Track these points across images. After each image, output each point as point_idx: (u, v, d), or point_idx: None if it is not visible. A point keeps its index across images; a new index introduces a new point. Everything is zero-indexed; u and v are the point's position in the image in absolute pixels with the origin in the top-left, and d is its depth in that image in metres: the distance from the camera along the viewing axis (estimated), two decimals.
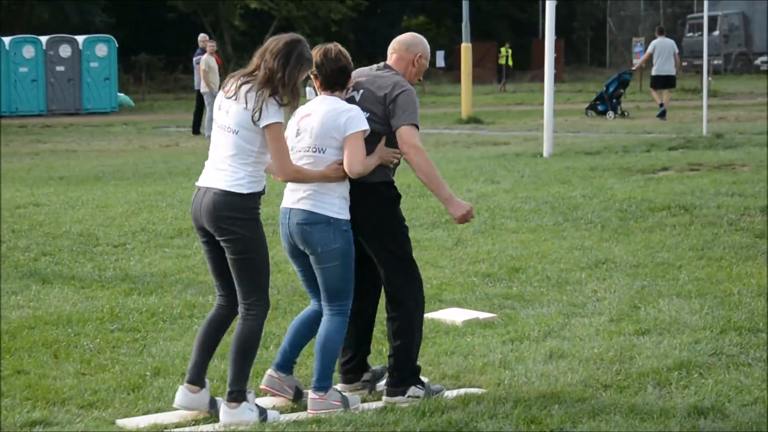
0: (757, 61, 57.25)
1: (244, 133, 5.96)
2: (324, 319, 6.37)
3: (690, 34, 58.03)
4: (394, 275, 6.39)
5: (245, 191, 5.95)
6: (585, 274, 9.53)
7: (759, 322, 7.69)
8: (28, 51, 37.58)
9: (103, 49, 38.96)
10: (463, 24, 31.41)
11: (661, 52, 29.60)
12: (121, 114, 38.17)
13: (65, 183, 16.76)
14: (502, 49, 54.32)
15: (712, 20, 57.51)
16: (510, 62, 54.67)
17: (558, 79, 53.28)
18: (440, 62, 56.72)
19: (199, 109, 28.05)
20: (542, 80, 19.25)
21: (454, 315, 8.23)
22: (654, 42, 30.04)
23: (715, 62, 55.67)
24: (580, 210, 12.54)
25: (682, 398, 6.20)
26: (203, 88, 27.02)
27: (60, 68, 38.07)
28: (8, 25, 50.92)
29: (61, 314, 8.36)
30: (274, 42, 6.04)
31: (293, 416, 6.19)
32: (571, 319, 8.02)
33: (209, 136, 23.64)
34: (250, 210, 5.99)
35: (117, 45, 39.64)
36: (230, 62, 55.24)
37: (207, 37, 28.52)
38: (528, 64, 60.40)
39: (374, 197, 6.32)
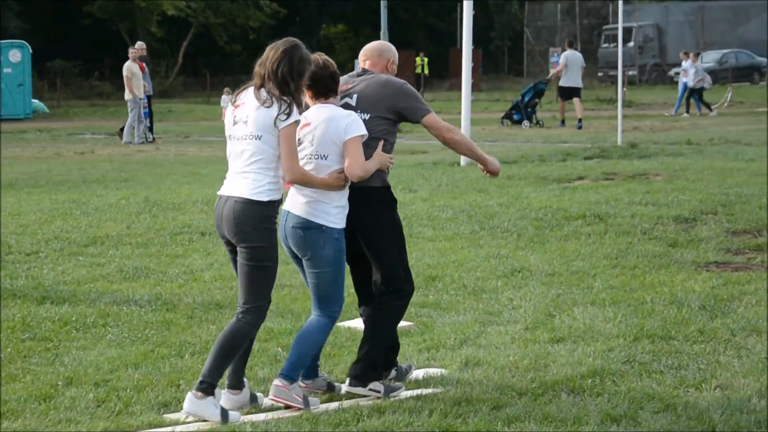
0: (671, 72, 58.05)
1: (267, 137, 6.14)
2: (312, 317, 6.57)
3: (605, 45, 58.73)
4: (392, 270, 6.60)
5: (265, 199, 6.13)
6: (501, 282, 9.59)
7: (671, 330, 7.79)
8: None
9: (16, 54, 38.44)
10: (381, 33, 31.56)
11: (571, 64, 30.16)
12: (35, 121, 37.66)
13: None
14: (417, 59, 54.54)
15: (627, 31, 58.31)
16: (426, 71, 54.90)
17: (476, 88, 53.59)
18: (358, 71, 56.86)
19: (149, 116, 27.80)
20: (460, 89, 19.36)
21: None
22: (565, 54, 30.54)
23: (630, 73, 56.37)
24: (497, 219, 12.62)
25: (596, 405, 6.25)
26: (127, 95, 26.87)
27: None
28: None
29: None
30: (272, 50, 6.24)
31: (253, 417, 6.19)
32: (487, 327, 8.05)
33: (128, 143, 23.21)
34: (268, 218, 6.16)
35: (31, 51, 39.12)
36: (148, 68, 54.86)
37: (144, 45, 28.33)
38: (446, 72, 60.74)
39: (374, 202, 6.54)
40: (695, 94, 35.54)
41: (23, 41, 40.02)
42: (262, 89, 6.16)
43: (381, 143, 6.52)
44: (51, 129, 33.08)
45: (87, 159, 22.79)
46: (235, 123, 6.24)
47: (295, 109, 6.14)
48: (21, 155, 23.90)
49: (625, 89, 44.95)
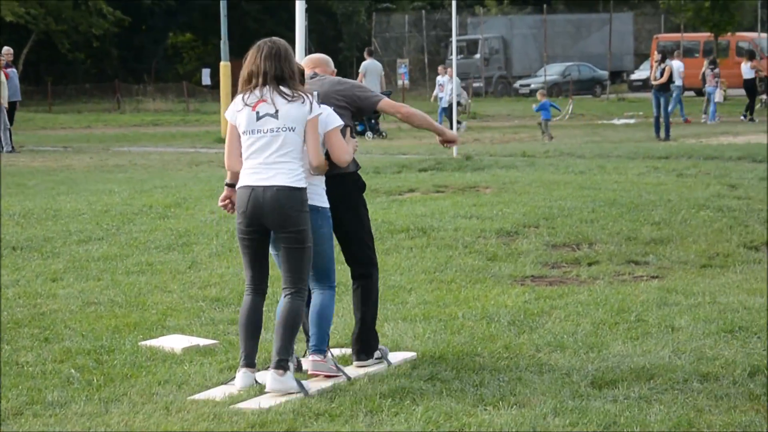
0: (516, 84, 58.88)
1: (299, 129, 6.86)
2: (315, 294, 7.20)
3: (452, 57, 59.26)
4: (364, 249, 7.49)
5: (303, 185, 6.86)
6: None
7: (477, 345, 7.73)
8: None
9: None
10: (222, 42, 31.20)
11: (371, 73, 30.55)
12: None
13: None
14: None
15: (474, 43, 59.02)
16: None
17: None
18: (206, 80, 56.32)
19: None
20: None
21: (174, 342, 7.98)
22: (364, 63, 30.89)
23: (476, 84, 56.97)
24: None
25: (392, 426, 6.13)
26: None
27: None
28: None
29: None
30: (275, 46, 6.95)
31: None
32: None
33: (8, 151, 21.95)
34: (305, 203, 6.87)
35: None
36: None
37: (11, 51, 27.72)
38: None
39: (351, 185, 7.37)
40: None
41: None
42: (283, 86, 6.82)
43: (348, 130, 7.29)
44: None
45: None
46: (259, 118, 6.82)
47: (316, 101, 6.96)
48: None
49: (470, 100, 45.37)
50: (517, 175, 17.53)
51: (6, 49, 27.96)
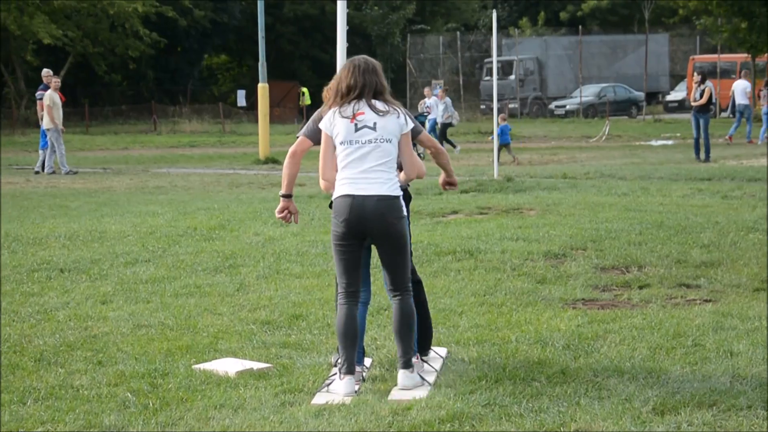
0: (552, 105, 58.76)
1: (395, 141, 7.27)
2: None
3: (487, 78, 59.20)
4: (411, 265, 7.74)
5: (400, 193, 7.28)
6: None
7: (534, 370, 7.65)
8: None
9: None
10: (260, 64, 31.29)
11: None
12: None
13: None
14: (303, 89, 54.65)
15: (509, 64, 58.97)
16: (308, 101, 54.87)
17: None
18: (241, 101, 56.49)
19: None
20: None
21: (228, 365, 7.94)
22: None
23: (511, 106, 56.90)
24: None
25: None
26: (47, 124, 26.81)
27: None
28: None
29: None
30: (370, 62, 7.35)
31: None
32: None
33: (68, 173, 23.01)
34: (403, 209, 7.30)
35: None
36: (23, 98, 53.79)
37: (51, 73, 28.11)
38: None
39: (407, 197, 7.71)
40: (443, 129, 33.72)
41: None
42: (377, 101, 7.25)
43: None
44: None
45: None
46: (357, 129, 7.18)
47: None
48: None
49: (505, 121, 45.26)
50: (560, 196, 17.46)
51: (46, 71, 28.29)
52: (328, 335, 8.90)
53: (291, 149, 7.52)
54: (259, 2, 32.04)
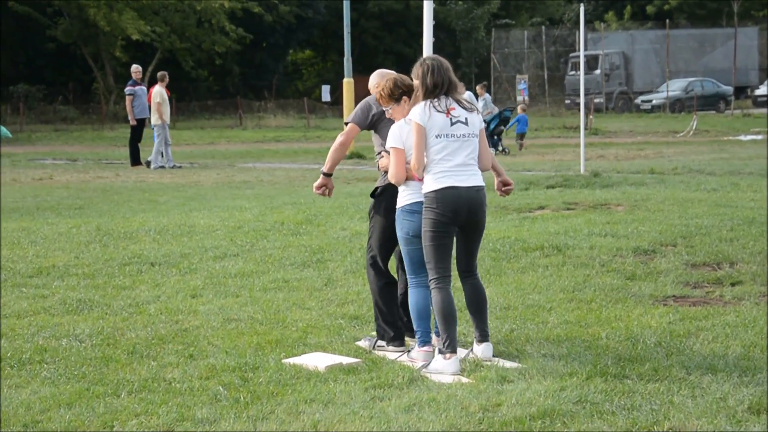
0: (638, 100, 58.18)
1: (479, 136, 7.70)
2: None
3: (572, 73, 58.79)
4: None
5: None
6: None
7: (625, 367, 7.56)
8: None
9: None
10: (345, 59, 31.36)
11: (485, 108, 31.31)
12: None
13: None
14: None
15: (594, 59, 58.44)
16: None
17: None
18: (326, 96, 56.70)
19: (134, 140, 27.82)
20: None
21: (317, 360, 7.97)
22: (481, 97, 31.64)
23: (597, 100, 56.44)
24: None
25: None
26: (156, 120, 27.17)
27: None
28: None
29: None
30: (445, 62, 7.73)
31: None
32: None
33: (157, 168, 23.49)
34: None
35: None
36: (111, 93, 54.50)
37: (140, 69, 28.46)
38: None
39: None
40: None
41: None
42: (460, 97, 7.65)
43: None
44: (11, 154, 32.71)
45: (44, 185, 22.46)
46: (452, 123, 7.56)
47: None
48: None
49: (591, 117, 44.96)
50: (648, 192, 17.27)
51: (135, 67, 28.59)
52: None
53: (343, 138, 8.26)
54: None
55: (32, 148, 36.29)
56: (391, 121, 8.10)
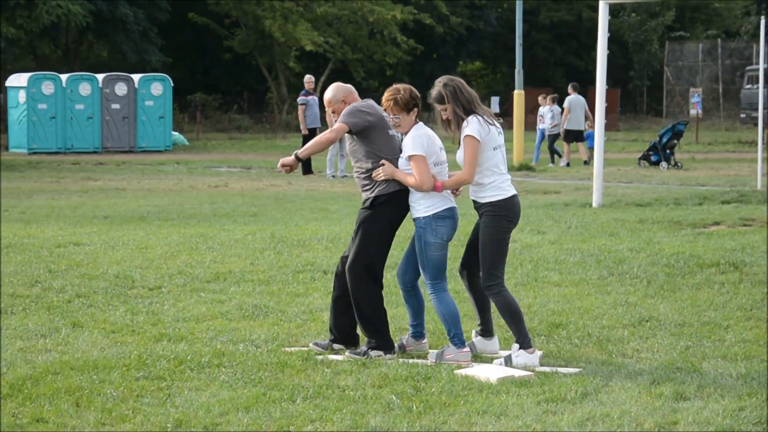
0: None
1: None
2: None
3: (749, 86, 57.39)
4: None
5: None
6: (628, 331, 9.24)
7: None
8: (85, 88, 37.81)
9: (158, 87, 39.17)
10: (516, 71, 31.30)
11: (574, 108, 30.72)
12: (174, 153, 38.29)
13: (108, 222, 16.70)
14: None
15: None
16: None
17: (613, 127, 52.81)
18: (495, 108, 56.58)
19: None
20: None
21: (489, 372, 7.97)
22: (569, 98, 31.06)
23: None
24: (626, 264, 12.25)
25: None
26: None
27: (115, 106, 38.30)
28: (66, 62, 51.44)
29: (88, 360, 8.19)
30: (456, 81, 8.32)
31: None
32: (611, 380, 7.72)
33: (332, 176, 23.88)
34: None
35: (172, 84, 39.84)
36: (284, 103, 55.45)
37: (313, 79, 28.85)
38: None
39: None
40: (551, 140, 32.12)
41: (165, 75, 40.76)
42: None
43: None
44: (188, 161, 33.56)
45: (220, 192, 22.99)
46: (499, 134, 8.21)
47: None
48: (156, 187, 24.23)
49: (767, 131, 43.81)
50: None
51: (308, 77, 28.98)
52: (589, 345, 8.81)
53: (332, 135, 8.39)
54: (517, 9, 32.03)
55: (208, 155, 37.16)
56: (385, 131, 8.42)
